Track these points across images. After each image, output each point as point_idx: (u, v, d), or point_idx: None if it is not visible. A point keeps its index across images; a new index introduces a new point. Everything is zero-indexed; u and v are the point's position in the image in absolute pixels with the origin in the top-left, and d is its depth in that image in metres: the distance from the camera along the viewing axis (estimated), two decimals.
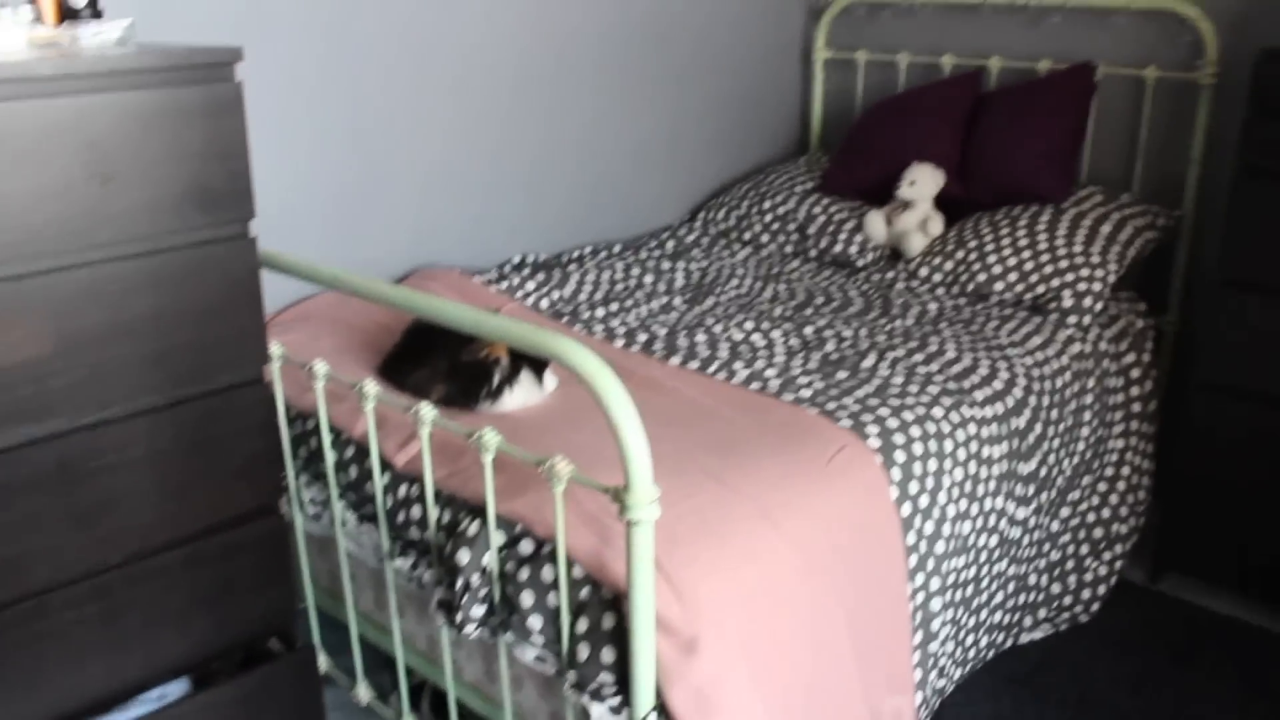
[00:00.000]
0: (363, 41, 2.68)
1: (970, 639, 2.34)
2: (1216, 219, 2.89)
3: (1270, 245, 2.55)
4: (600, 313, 2.76)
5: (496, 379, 2.14)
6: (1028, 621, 2.60)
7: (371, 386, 1.91)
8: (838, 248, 3.20)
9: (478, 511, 1.83)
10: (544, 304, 2.81)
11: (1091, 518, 2.75)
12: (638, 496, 1.49)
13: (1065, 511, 2.66)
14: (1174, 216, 3.08)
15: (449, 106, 2.91)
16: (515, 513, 1.79)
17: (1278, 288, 2.56)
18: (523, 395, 2.17)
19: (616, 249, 3.27)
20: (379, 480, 1.99)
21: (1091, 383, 2.65)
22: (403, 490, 2.00)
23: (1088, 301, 2.76)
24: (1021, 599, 2.53)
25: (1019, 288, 2.83)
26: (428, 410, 1.83)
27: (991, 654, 2.48)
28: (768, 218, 3.39)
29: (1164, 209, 3.08)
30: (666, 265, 3.13)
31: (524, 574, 1.75)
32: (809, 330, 2.64)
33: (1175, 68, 3.09)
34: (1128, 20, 3.16)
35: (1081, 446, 2.64)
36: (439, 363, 2.18)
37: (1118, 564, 2.80)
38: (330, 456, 2.09)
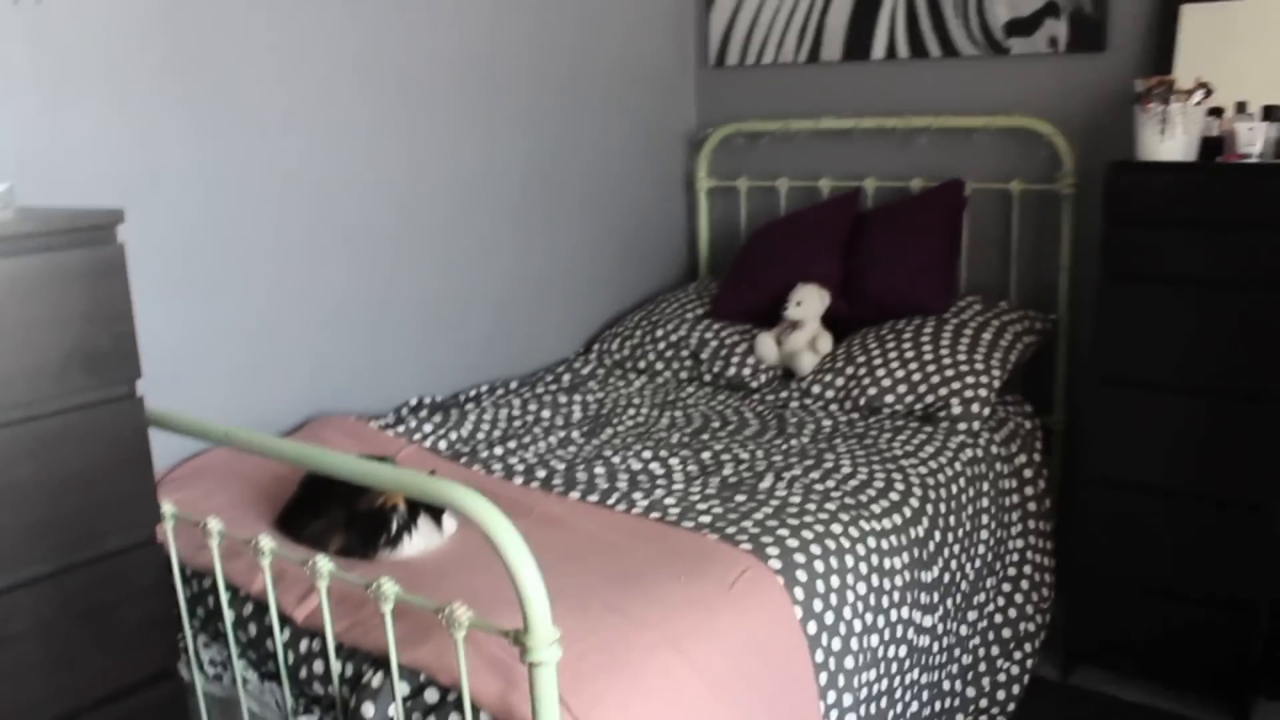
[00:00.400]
0: (249, 192, 2.69)
1: None
2: (1090, 319, 3.01)
3: (1137, 343, 2.67)
4: (499, 450, 2.75)
5: (395, 526, 2.12)
6: None
7: (267, 542, 1.89)
8: (731, 371, 3.26)
9: (381, 663, 1.80)
10: (442, 445, 2.80)
11: (999, 618, 2.79)
12: (537, 638, 1.48)
13: (972, 615, 2.69)
14: (1050, 320, 3.21)
15: (339, 252, 2.93)
16: (418, 661, 1.76)
17: (1148, 382, 2.68)
18: (422, 541, 2.15)
19: (513, 385, 3.28)
20: (279, 637, 1.95)
21: (986, 486, 2.72)
22: (304, 645, 1.96)
23: (975, 407, 2.84)
24: (938, 706, 2.54)
25: (909, 399, 2.91)
26: (324, 563, 1.81)
27: None
28: (661, 345, 3.44)
29: (1040, 313, 3.21)
30: (563, 399, 3.15)
31: None
32: (707, 455, 2.67)
33: (1038, 180, 3.25)
34: (990, 138, 3.32)
35: (982, 549, 2.69)
36: (336, 512, 2.15)
37: (1029, 662, 2.83)
38: (229, 615, 2.04)
